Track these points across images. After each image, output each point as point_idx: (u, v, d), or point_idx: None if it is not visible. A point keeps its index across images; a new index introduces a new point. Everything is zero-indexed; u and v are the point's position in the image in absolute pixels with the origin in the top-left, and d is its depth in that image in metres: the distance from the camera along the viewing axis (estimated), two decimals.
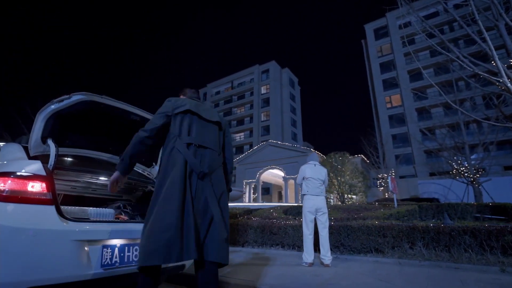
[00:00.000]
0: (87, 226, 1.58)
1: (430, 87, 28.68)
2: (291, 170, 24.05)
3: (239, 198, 18.69)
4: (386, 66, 34.70)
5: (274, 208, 6.90)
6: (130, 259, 1.71)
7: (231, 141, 1.87)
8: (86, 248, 1.53)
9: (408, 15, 7.41)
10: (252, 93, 47.80)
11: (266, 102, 45.52)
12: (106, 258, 1.59)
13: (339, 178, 19.16)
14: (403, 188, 26.11)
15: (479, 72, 6.20)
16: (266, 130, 43.82)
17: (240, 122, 48.08)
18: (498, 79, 5.90)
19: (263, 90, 46.73)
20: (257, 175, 26.61)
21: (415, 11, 7.31)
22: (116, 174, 1.60)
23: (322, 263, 3.52)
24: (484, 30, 5.98)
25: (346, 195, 19.16)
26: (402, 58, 33.02)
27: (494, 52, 5.93)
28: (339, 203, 18.86)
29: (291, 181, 24.73)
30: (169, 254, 1.27)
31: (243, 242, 5.37)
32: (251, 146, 42.05)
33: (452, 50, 6.83)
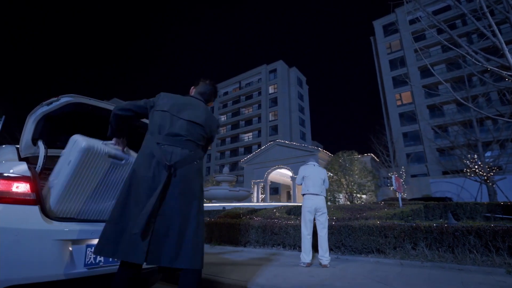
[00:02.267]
0: (72, 226, 1.61)
1: (442, 83, 27.91)
2: (299, 169, 23.89)
3: (247, 198, 18.67)
4: (396, 63, 33.99)
5: (278, 208, 6.87)
6: None
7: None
8: (69, 248, 1.56)
9: (417, 10, 7.23)
10: (260, 93, 47.79)
11: (274, 101, 45.41)
12: (90, 258, 1.62)
13: (347, 177, 18.93)
14: (415, 187, 25.49)
15: (489, 67, 6.01)
16: (274, 129, 43.71)
17: (248, 122, 48.16)
18: (509, 73, 5.71)
19: (271, 89, 46.64)
20: (265, 175, 26.56)
21: (423, 7, 7.15)
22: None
23: (320, 264, 3.48)
24: (493, 23, 5.80)
25: (354, 195, 18.91)
26: (412, 54, 32.28)
27: (504, 45, 5.75)
28: (348, 202, 18.62)
29: None
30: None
31: (244, 242, 5.37)
32: (259, 146, 42.05)
33: (460, 45, 6.63)
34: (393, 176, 5.65)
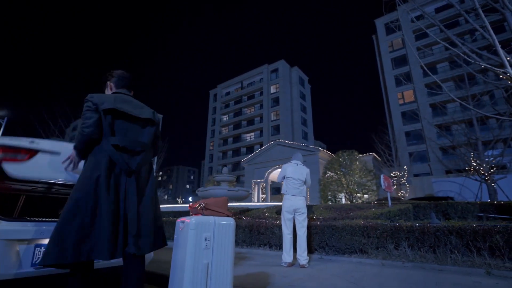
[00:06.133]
0: (20, 226, 1.61)
1: (446, 82, 27.55)
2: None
3: (246, 198, 18.67)
4: (398, 62, 33.67)
5: (269, 208, 6.84)
6: None
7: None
8: (16, 248, 1.56)
9: (422, 6, 7.15)
10: (261, 93, 47.73)
11: (276, 101, 45.31)
12: (38, 257, 1.61)
13: (347, 177, 18.80)
14: (418, 186, 25.16)
15: (484, 65, 5.94)
16: (276, 129, 43.61)
17: (250, 122, 48.13)
18: (504, 70, 5.64)
19: (273, 89, 46.55)
20: (266, 175, 26.52)
21: (419, 7, 7.09)
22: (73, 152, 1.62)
23: (299, 264, 3.45)
24: (485, 20, 5.75)
25: (355, 194, 18.76)
26: (415, 53, 31.90)
27: (497, 42, 5.68)
28: (348, 202, 18.48)
29: None
30: (78, 252, 1.30)
31: None
32: (261, 146, 41.99)
33: (457, 45, 6.55)
34: (381, 176, 5.58)
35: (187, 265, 1.36)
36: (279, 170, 26.46)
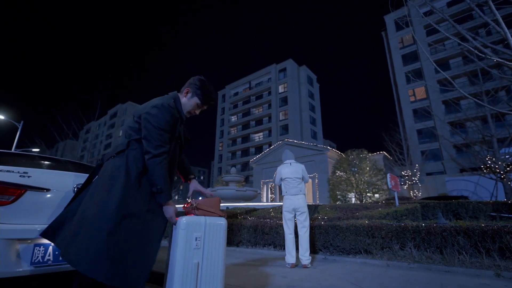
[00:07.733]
0: (19, 225, 1.66)
1: (459, 77, 26.76)
2: (308, 169, 23.60)
3: (255, 198, 18.69)
4: (409, 58, 32.92)
5: (275, 207, 6.82)
6: None
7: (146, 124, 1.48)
8: (16, 247, 1.61)
9: (432, 1, 7.00)
10: (269, 93, 47.65)
11: (284, 101, 45.14)
12: (38, 256, 1.66)
13: (357, 176, 18.53)
14: (431, 185, 24.55)
15: (497, 59, 5.77)
16: (285, 129, 43.45)
17: (259, 122, 48.12)
18: None
19: (281, 89, 46.39)
20: (274, 175, 26.45)
21: (428, 2, 6.94)
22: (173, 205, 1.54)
23: (301, 264, 3.43)
24: (496, 12, 5.61)
25: (364, 194, 18.47)
26: (426, 48, 31.08)
27: (509, 35, 5.51)
28: (358, 202, 18.22)
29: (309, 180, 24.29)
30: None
31: (237, 242, 5.37)
32: (270, 146, 41.89)
33: (468, 40, 6.36)
34: (388, 174, 5.47)
35: (177, 265, 1.37)
36: None
